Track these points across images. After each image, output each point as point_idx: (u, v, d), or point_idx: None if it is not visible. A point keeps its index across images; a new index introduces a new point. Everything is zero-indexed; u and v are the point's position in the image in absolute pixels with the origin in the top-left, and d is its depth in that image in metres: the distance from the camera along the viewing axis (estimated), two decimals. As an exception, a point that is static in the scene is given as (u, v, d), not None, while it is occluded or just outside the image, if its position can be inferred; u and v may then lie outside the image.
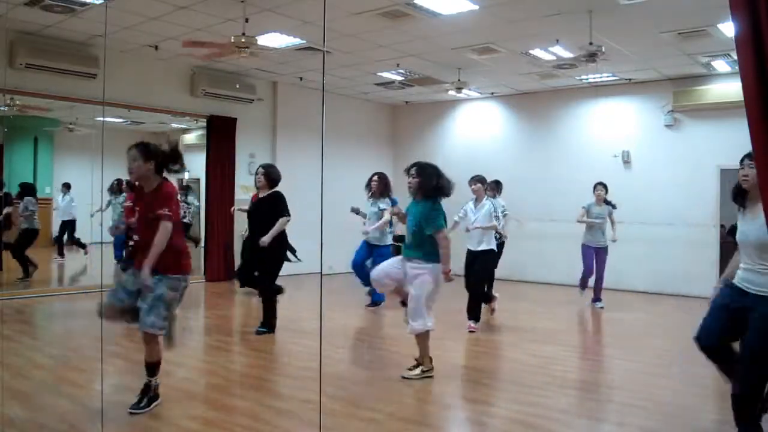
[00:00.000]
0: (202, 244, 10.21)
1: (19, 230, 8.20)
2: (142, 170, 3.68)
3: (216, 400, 4.04)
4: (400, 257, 4.74)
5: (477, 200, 6.46)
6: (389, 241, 7.57)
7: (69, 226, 9.47)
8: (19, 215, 8.17)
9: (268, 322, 6.02)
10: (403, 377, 4.46)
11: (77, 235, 9.59)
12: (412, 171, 4.60)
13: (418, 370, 4.51)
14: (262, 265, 6.05)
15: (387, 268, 4.73)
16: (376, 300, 7.61)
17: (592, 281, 7.93)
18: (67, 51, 7.83)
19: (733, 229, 11.25)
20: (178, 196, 3.87)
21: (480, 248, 6.36)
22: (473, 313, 6.35)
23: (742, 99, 2.81)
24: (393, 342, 5.41)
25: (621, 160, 9.92)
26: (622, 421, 3.78)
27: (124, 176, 7.47)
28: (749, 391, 3.14)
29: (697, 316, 3.59)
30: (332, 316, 7.31)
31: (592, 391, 4.34)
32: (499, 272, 8.65)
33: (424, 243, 4.48)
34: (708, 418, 3.88)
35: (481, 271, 6.41)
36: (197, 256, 10.73)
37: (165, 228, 3.61)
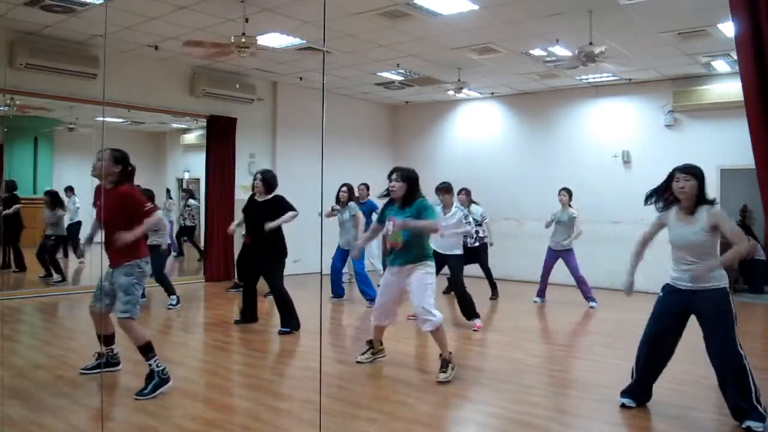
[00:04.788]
0: (202, 244, 10.23)
1: (51, 236, 8.48)
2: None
3: (216, 400, 4.05)
4: (386, 275, 4.69)
5: (445, 207, 6.52)
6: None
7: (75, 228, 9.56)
8: (49, 222, 8.46)
9: (289, 322, 6.06)
10: (439, 382, 4.37)
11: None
12: (394, 176, 4.56)
13: (449, 371, 4.45)
14: (266, 267, 6.13)
15: (386, 305, 4.71)
16: (338, 293, 8.10)
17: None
18: (67, 51, 7.83)
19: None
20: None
21: (453, 252, 6.50)
22: (470, 312, 6.42)
23: (742, 99, 2.82)
24: (393, 342, 5.41)
25: (621, 160, 9.92)
26: (621, 421, 3.78)
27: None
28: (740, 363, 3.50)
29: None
30: (332, 316, 7.31)
31: (592, 391, 4.34)
32: (498, 272, 8.67)
33: (413, 245, 4.51)
34: (708, 418, 3.88)
35: (457, 273, 6.53)
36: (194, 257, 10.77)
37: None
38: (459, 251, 6.55)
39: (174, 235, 11.19)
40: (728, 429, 3.61)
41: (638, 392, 3.93)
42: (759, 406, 3.48)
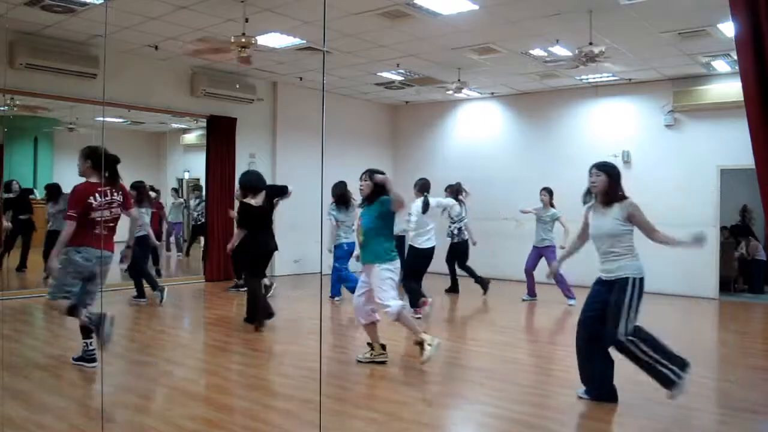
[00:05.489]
0: (202, 243, 10.23)
1: (56, 231, 8.29)
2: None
3: (216, 400, 4.05)
4: (363, 276, 4.94)
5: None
6: (342, 240, 7.85)
7: None
8: (51, 215, 8.24)
9: (249, 315, 6.21)
10: (422, 362, 4.58)
11: None
12: (364, 176, 4.84)
13: (428, 349, 4.58)
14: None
15: (360, 302, 4.90)
16: (335, 293, 8.09)
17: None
18: (67, 51, 7.82)
19: (734, 229, 11.23)
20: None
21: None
22: (413, 300, 6.83)
23: (742, 99, 2.82)
24: (392, 342, 5.41)
25: (621, 160, 9.90)
26: (621, 421, 3.78)
27: (126, 176, 7.59)
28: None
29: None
30: (332, 316, 7.31)
31: (592, 391, 4.34)
32: (499, 272, 8.68)
33: (374, 245, 4.74)
34: (708, 418, 3.89)
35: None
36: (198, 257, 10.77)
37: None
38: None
39: (183, 235, 11.19)
40: (728, 429, 3.61)
41: (586, 381, 4.07)
42: (669, 371, 3.70)
